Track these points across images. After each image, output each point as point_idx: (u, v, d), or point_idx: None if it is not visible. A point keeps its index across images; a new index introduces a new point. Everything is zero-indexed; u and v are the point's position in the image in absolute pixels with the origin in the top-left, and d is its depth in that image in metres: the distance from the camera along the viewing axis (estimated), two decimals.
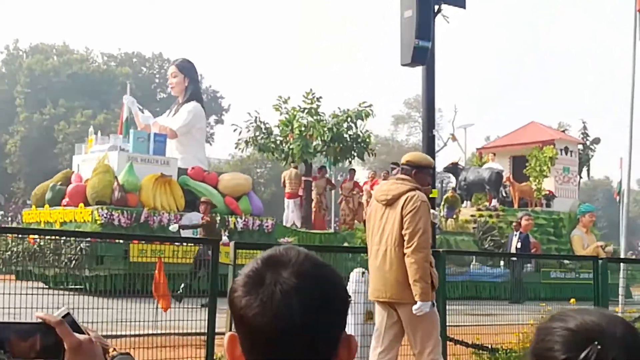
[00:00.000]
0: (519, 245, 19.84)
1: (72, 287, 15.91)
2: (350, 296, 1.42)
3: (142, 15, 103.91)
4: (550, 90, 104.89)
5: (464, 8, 10.79)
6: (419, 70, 10.47)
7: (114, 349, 1.75)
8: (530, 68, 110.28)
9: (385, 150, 63.10)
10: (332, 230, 20.03)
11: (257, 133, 20.86)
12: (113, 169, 16.57)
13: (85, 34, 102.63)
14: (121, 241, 15.18)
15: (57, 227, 16.45)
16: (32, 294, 7.57)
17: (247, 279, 1.37)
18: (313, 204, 20.98)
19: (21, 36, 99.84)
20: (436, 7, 10.17)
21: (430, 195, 8.81)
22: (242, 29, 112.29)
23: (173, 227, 15.82)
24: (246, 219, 17.53)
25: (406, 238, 5.86)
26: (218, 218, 16.92)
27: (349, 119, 20.58)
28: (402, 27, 9.89)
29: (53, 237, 15.75)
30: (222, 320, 7.20)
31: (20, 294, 7.45)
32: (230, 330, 1.61)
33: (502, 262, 20.35)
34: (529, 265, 21.03)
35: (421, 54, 9.68)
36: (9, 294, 6.99)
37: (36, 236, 16.26)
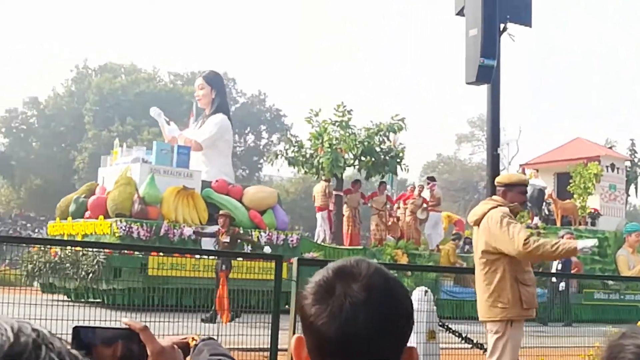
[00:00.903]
0: (559, 267, 19.06)
1: (92, 300, 15.74)
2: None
3: (209, 35, 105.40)
4: (598, 106, 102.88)
5: (530, 26, 10.71)
6: (484, 89, 10.40)
7: (193, 339, 1.88)
8: (579, 85, 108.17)
9: (447, 169, 62.52)
10: (360, 247, 19.41)
11: (287, 146, 20.47)
12: (135, 181, 16.34)
13: (153, 54, 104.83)
14: (140, 254, 14.91)
15: (79, 239, 16.28)
16: (45, 305, 7.51)
17: (318, 288, 1.42)
18: (345, 218, 20.46)
19: (90, 55, 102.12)
20: (502, 25, 10.06)
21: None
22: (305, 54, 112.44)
23: (187, 231, 15.59)
24: (270, 233, 17.11)
25: (506, 247, 5.86)
26: (241, 231, 16.54)
27: (380, 133, 20.06)
28: (467, 46, 9.85)
29: (71, 248, 15.64)
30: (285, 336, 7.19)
31: (36, 305, 7.45)
32: (294, 333, 1.69)
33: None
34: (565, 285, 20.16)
35: (486, 73, 9.61)
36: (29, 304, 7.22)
37: (58, 249, 16.24)
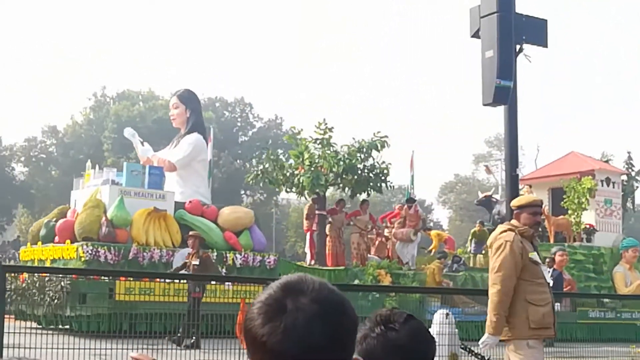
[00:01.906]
0: (551, 284, 18.40)
1: (61, 327, 15.26)
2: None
3: (223, 61, 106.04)
4: (595, 120, 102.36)
5: (546, 46, 10.80)
6: (500, 109, 10.59)
7: None
8: (579, 99, 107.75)
9: (465, 189, 62.16)
10: (342, 267, 18.83)
11: (267, 165, 20.01)
12: (104, 204, 15.89)
13: (170, 81, 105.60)
14: (106, 279, 14.44)
15: (47, 264, 15.84)
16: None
17: (267, 307, 1.43)
18: (328, 239, 19.94)
19: (108, 83, 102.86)
20: (517, 46, 10.19)
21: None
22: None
23: (157, 254, 15.21)
24: (246, 255, 16.59)
25: (489, 275, 6.24)
26: (215, 254, 16.05)
27: (362, 150, 19.55)
28: (483, 67, 9.92)
29: (37, 275, 15.18)
30: None
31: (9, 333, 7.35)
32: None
33: None
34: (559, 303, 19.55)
35: (503, 94, 9.74)
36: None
37: (26, 275, 15.79)
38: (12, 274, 16.19)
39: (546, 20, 11.10)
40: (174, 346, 12.54)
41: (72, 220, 15.91)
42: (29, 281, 15.40)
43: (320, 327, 1.40)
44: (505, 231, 6.20)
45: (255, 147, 49.18)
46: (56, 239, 16.18)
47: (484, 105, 9.99)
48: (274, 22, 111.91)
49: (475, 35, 10.29)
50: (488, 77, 9.81)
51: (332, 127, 19.55)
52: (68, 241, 15.43)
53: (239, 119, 61.12)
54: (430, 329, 2.31)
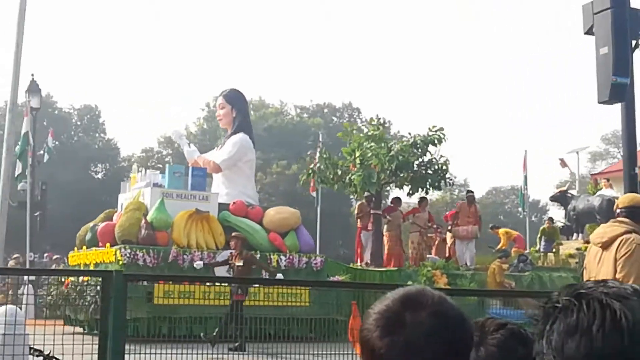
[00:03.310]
0: None
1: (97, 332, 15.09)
2: None
3: (332, 67, 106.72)
4: None
5: None
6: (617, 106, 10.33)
7: None
8: None
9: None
10: (394, 268, 18.05)
11: (320, 164, 19.44)
12: (146, 206, 15.68)
13: (280, 88, 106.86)
14: (145, 282, 14.17)
15: (92, 268, 15.73)
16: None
17: (385, 320, 1.44)
18: (386, 238, 19.22)
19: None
20: (633, 42, 9.97)
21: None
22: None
23: (197, 265, 14.72)
24: (291, 256, 16.06)
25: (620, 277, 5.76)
26: (258, 255, 15.61)
27: (417, 146, 18.73)
28: (598, 65, 9.79)
29: (77, 279, 15.08)
30: None
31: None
32: None
33: None
34: None
35: (619, 91, 9.57)
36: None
37: (71, 279, 15.74)
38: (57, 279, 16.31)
39: None
40: (210, 348, 12.20)
41: (114, 223, 15.77)
42: (71, 286, 15.34)
43: (440, 342, 1.41)
44: (628, 232, 5.78)
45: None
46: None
47: (599, 102, 9.82)
48: (386, 25, 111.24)
49: (589, 32, 10.14)
50: (603, 75, 9.61)
51: (386, 123, 18.79)
52: (108, 244, 15.28)
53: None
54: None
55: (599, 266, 5.90)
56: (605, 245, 5.85)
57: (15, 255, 24.61)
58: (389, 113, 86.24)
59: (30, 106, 23.50)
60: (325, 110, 61.26)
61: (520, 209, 39.02)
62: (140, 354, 8.59)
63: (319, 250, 29.45)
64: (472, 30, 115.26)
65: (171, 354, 8.40)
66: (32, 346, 6.43)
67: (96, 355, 6.49)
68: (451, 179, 19.48)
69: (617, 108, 10.30)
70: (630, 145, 10.11)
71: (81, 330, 15.15)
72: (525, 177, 30.55)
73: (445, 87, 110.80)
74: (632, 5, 10.30)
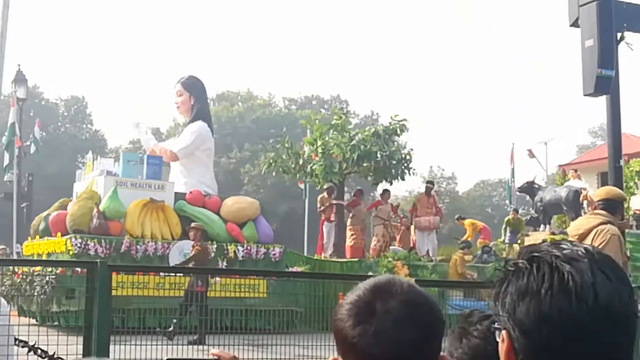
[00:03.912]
0: None
1: (49, 323, 14.72)
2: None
3: (321, 59, 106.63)
4: None
5: None
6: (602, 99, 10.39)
7: None
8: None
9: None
10: (355, 259, 17.79)
11: (283, 154, 19.15)
12: (99, 195, 15.30)
13: (268, 80, 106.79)
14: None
15: (44, 258, 15.34)
16: None
17: (356, 309, 1.47)
18: (348, 230, 18.98)
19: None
20: (619, 34, 10.04)
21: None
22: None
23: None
24: (249, 247, 15.76)
25: None
26: (214, 246, 15.29)
27: (378, 135, 18.47)
28: (583, 57, 9.88)
29: (28, 269, 14.68)
30: None
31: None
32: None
33: None
34: None
35: (604, 84, 9.64)
36: None
37: (24, 269, 15.33)
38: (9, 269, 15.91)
39: None
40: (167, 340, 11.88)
41: (66, 212, 15.37)
42: (22, 276, 14.94)
43: (409, 329, 1.43)
44: (603, 223, 5.97)
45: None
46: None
47: (585, 95, 9.88)
48: (373, 18, 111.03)
49: (574, 24, 10.14)
50: (589, 67, 9.68)
51: (348, 112, 18.52)
52: (59, 234, 14.89)
53: (335, 117, 61.56)
54: None
55: None
56: (582, 237, 5.97)
57: (1, 247, 24.19)
58: (378, 107, 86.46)
59: (16, 97, 23.28)
60: (314, 102, 61.16)
61: (507, 202, 39.16)
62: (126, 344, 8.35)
63: (306, 242, 29.27)
64: (463, 26, 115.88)
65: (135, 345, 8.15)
66: (17, 337, 6.22)
67: (78, 346, 6.28)
68: (414, 170, 19.20)
69: (603, 100, 10.31)
70: (615, 137, 10.19)
71: (34, 321, 14.80)
72: (513, 169, 30.50)
73: (434, 82, 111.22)
74: None
